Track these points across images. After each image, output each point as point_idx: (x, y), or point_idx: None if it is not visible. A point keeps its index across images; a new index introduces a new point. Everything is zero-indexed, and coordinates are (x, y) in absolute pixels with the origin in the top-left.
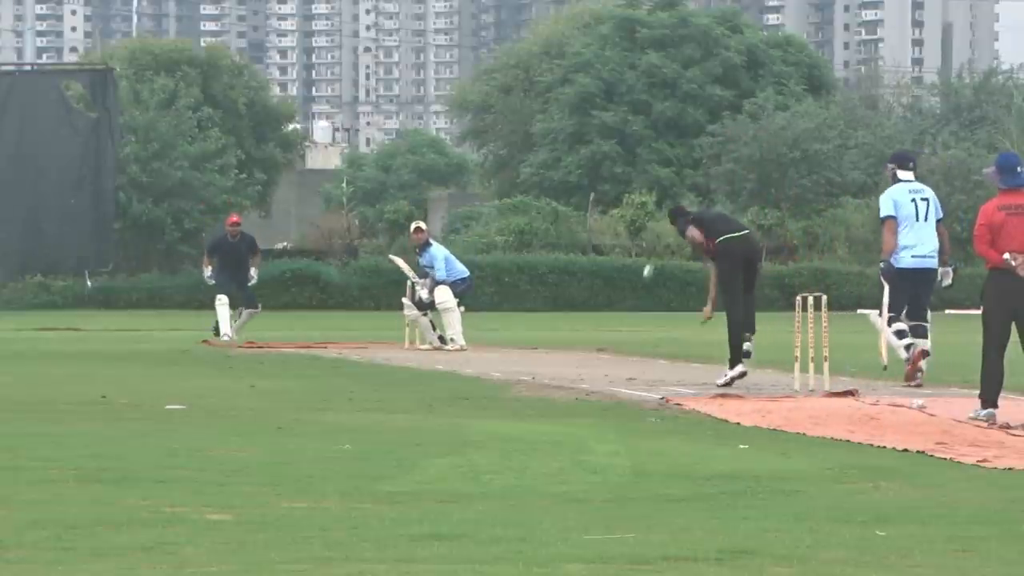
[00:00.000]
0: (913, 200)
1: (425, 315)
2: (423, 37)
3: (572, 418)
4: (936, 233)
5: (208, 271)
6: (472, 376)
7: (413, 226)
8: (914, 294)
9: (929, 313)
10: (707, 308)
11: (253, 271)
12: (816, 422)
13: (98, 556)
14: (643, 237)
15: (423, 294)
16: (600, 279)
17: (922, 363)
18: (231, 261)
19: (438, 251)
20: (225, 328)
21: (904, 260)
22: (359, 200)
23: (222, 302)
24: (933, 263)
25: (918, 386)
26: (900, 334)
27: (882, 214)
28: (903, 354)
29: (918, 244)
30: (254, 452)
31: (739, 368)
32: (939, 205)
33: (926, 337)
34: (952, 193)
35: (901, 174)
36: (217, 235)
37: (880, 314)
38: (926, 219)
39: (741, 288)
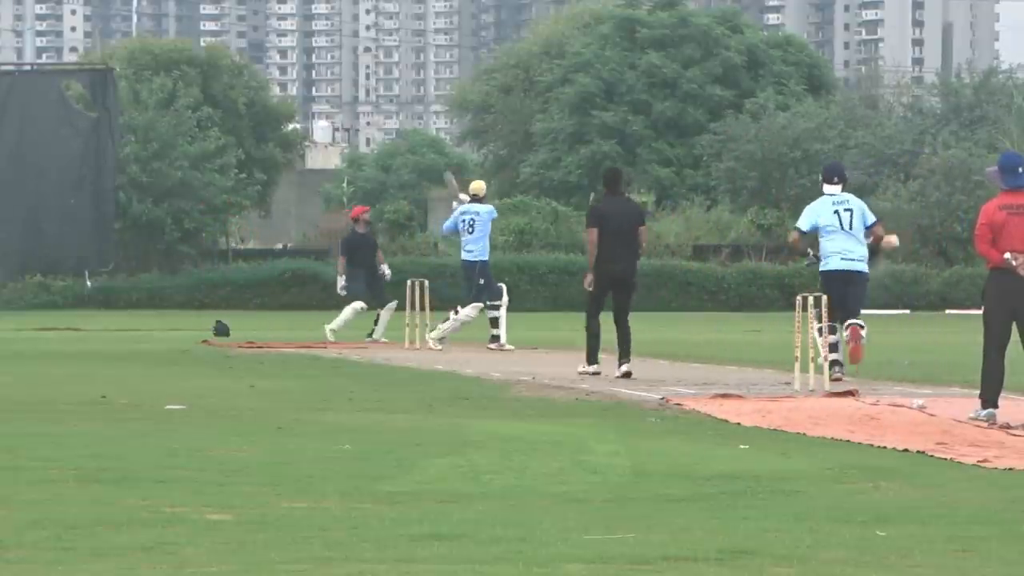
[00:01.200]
0: (836, 211)
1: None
2: (423, 37)
3: (572, 418)
4: (863, 241)
5: (342, 280)
6: (472, 376)
7: (475, 186)
8: (843, 295)
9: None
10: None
11: (385, 267)
12: (816, 422)
13: (98, 556)
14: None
15: (455, 192)
16: None
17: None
18: (367, 257)
19: (492, 212)
20: (338, 323)
21: (833, 262)
22: (359, 200)
23: (356, 309)
24: (861, 267)
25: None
26: (833, 347)
27: (796, 223)
28: (826, 368)
29: (844, 250)
30: (254, 452)
31: (593, 367)
32: (867, 213)
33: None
34: (952, 193)
35: (826, 188)
36: (348, 233)
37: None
38: (851, 227)
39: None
